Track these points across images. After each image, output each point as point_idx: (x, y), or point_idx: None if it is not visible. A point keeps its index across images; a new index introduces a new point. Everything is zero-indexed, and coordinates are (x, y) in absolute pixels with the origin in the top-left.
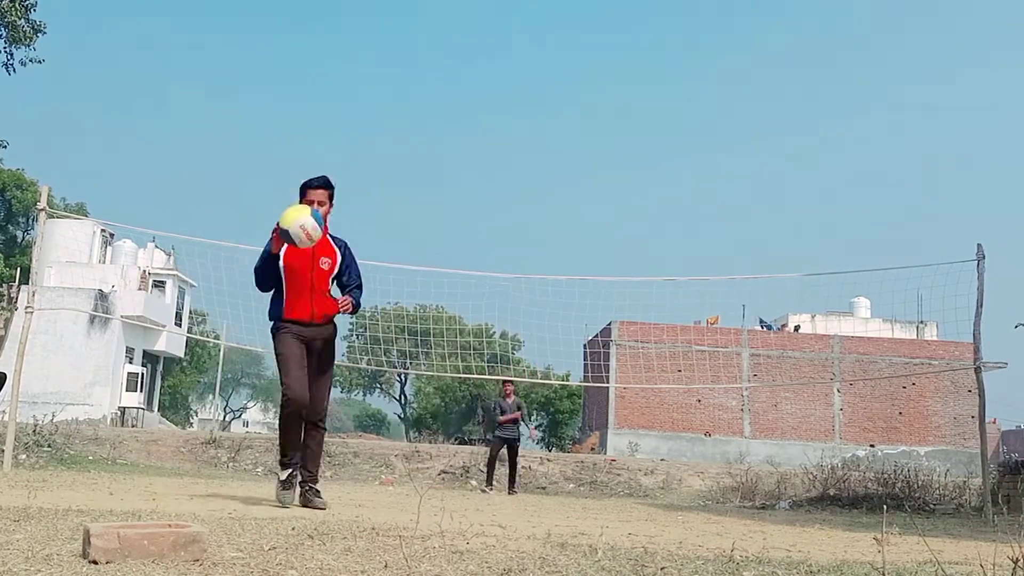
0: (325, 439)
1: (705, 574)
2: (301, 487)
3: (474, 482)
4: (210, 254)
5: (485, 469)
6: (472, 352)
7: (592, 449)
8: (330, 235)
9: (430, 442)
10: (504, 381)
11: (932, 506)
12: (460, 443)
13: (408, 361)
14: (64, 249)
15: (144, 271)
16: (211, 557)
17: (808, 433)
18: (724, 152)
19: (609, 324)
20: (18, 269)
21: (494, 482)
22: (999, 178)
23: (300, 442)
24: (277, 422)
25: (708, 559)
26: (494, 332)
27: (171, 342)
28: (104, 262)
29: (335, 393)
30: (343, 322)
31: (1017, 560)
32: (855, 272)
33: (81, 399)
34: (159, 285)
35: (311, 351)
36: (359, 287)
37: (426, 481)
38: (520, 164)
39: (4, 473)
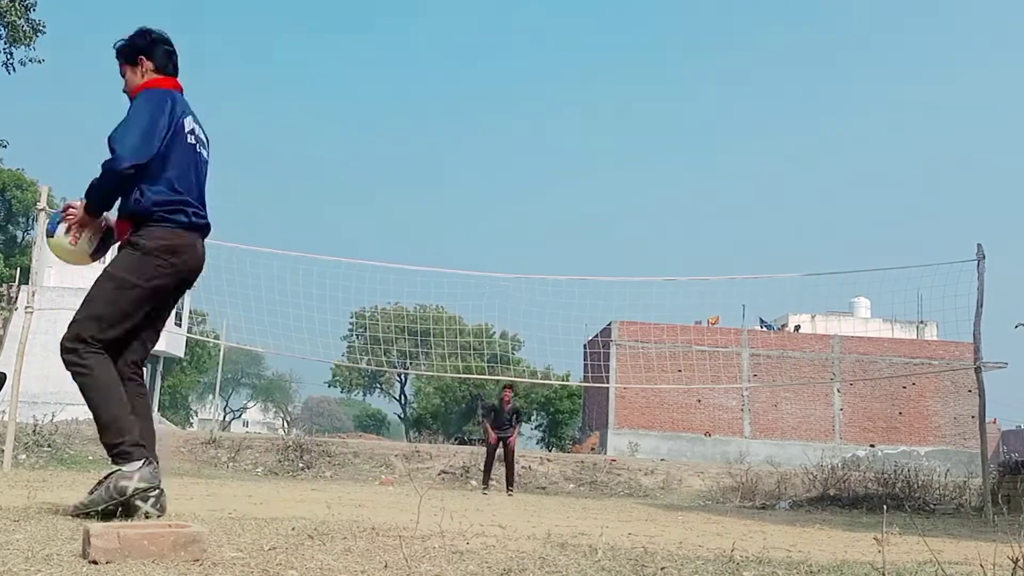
0: (326, 439)
1: (705, 574)
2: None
3: (474, 482)
4: (210, 254)
5: (483, 470)
6: (472, 352)
7: (592, 449)
8: None
9: (430, 442)
10: (505, 387)
11: (932, 506)
12: (460, 443)
13: (408, 361)
14: None
15: None
16: (211, 557)
17: (808, 433)
18: (724, 152)
19: (609, 324)
20: (18, 269)
21: (491, 482)
22: (999, 178)
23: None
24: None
25: (708, 559)
26: (494, 332)
27: (171, 342)
28: (104, 262)
29: (335, 392)
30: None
31: (1017, 560)
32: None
33: (81, 399)
34: None
35: None
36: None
37: (426, 481)
38: (520, 164)
39: (4, 473)
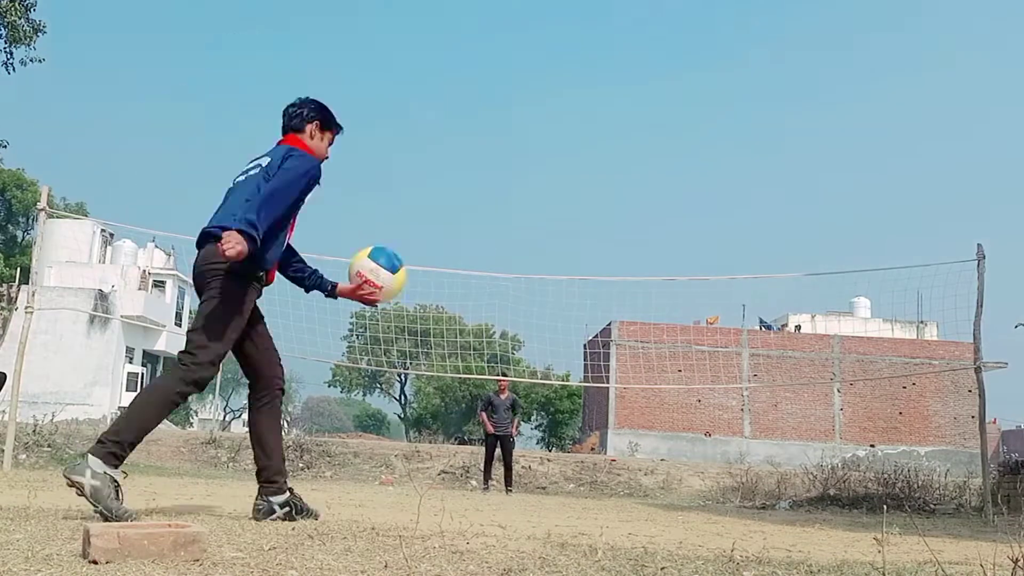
0: (326, 439)
1: (705, 574)
2: None
3: (474, 482)
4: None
5: (482, 468)
6: (472, 352)
7: (592, 449)
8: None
9: (430, 442)
10: (500, 376)
11: (932, 506)
12: (460, 443)
13: (408, 361)
14: (64, 249)
15: (144, 271)
16: (211, 557)
17: (808, 433)
18: (724, 152)
19: (609, 324)
20: (18, 269)
21: (491, 482)
22: (999, 178)
23: None
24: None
25: (708, 559)
26: (494, 332)
27: (171, 342)
28: (104, 262)
29: (335, 392)
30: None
31: (1017, 560)
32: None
33: (81, 399)
34: (159, 285)
35: None
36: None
37: (426, 481)
38: (521, 163)
39: (4, 473)
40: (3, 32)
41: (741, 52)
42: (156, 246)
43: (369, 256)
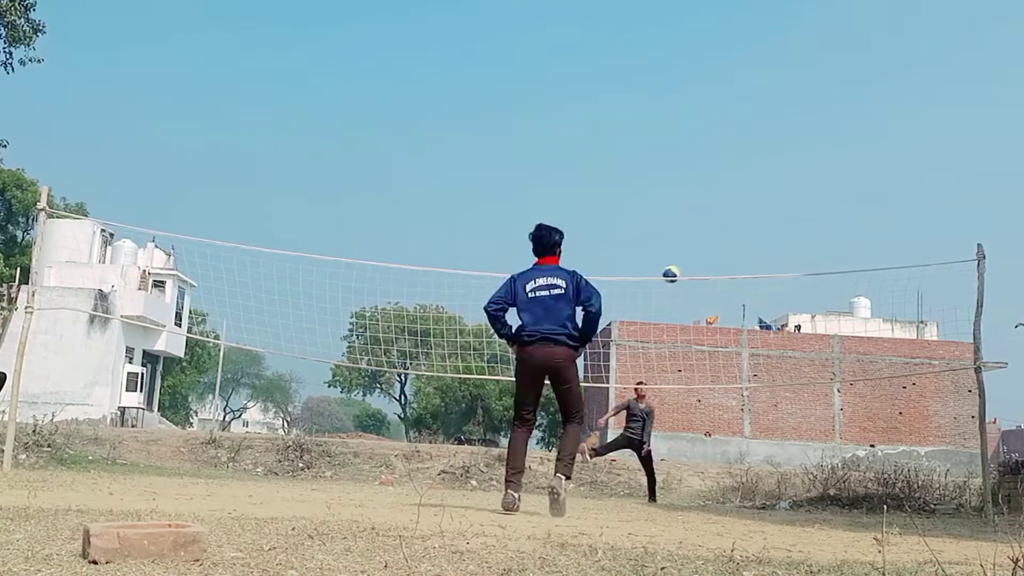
0: (326, 439)
1: (705, 574)
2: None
3: (474, 482)
4: (210, 254)
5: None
6: (472, 352)
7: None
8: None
9: (430, 442)
10: (637, 384)
11: (932, 506)
12: (460, 443)
13: (408, 361)
14: (64, 249)
15: (144, 271)
16: (211, 557)
17: (808, 433)
18: (724, 152)
19: (609, 324)
20: (18, 269)
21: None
22: (1000, 178)
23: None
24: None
25: (708, 559)
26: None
27: (171, 342)
28: (104, 262)
29: (335, 392)
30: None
31: (1017, 560)
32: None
33: (81, 399)
34: (159, 285)
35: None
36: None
37: (426, 481)
38: (521, 164)
39: (4, 473)
40: (3, 32)
41: (741, 61)
42: (156, 246)
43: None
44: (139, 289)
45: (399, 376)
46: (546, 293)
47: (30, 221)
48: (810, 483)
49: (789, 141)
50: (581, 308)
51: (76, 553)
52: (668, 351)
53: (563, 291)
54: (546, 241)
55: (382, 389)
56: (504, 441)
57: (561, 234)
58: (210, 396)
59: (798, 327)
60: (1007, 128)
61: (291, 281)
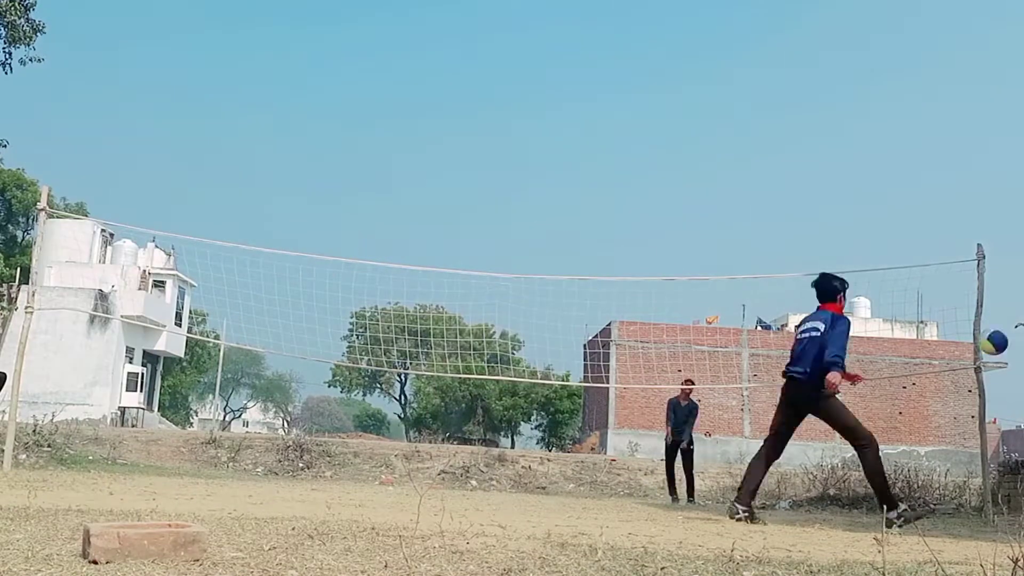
0: (326, 439)
1: (705, 574)
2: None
3: (474, 482)
4: (210, 254)
5: (666, 481)
6: (472, 352)
7: (592, 449)
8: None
9: (430, 442)
10: (685, 381)
11: (932, 506)
12: (460, 443)
13: (408, 361)
14: (64, 249)
15: (144, 271)
16: (211, 557)
17: (808, 433)
18: (725, 152)
19: (609, 324)
20: (18, 269)
21: (675, 495)
22: (1000, 178)
23: None
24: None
25: (708, 559)
26: (494, 332)
27: (171, 342)
28: (104, 262)
29: (335, 392)
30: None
31: (1017, 560)
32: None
33: (81, 399)
34: (159, 285)
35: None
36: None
37: (426, 481)
38: (521, 164)
39: (4, 473)
40: (3, 32)
41: (741, 61)
42: (156, 246)
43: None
44: (139, 289)
45: (399, 376)
46: (806, 336)
47: (30, 221)
48: (810, 483)
49: (789, 141)
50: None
51: (76, 553)
52: (668, 351)
53: (817, 334)
54: (822, 288)
55: (382, 389)
56: (504, 441)
57: (841, 282)
58: (210, 396)
59: (798, 327)
60: (1007, 128)
61: (291, 281)
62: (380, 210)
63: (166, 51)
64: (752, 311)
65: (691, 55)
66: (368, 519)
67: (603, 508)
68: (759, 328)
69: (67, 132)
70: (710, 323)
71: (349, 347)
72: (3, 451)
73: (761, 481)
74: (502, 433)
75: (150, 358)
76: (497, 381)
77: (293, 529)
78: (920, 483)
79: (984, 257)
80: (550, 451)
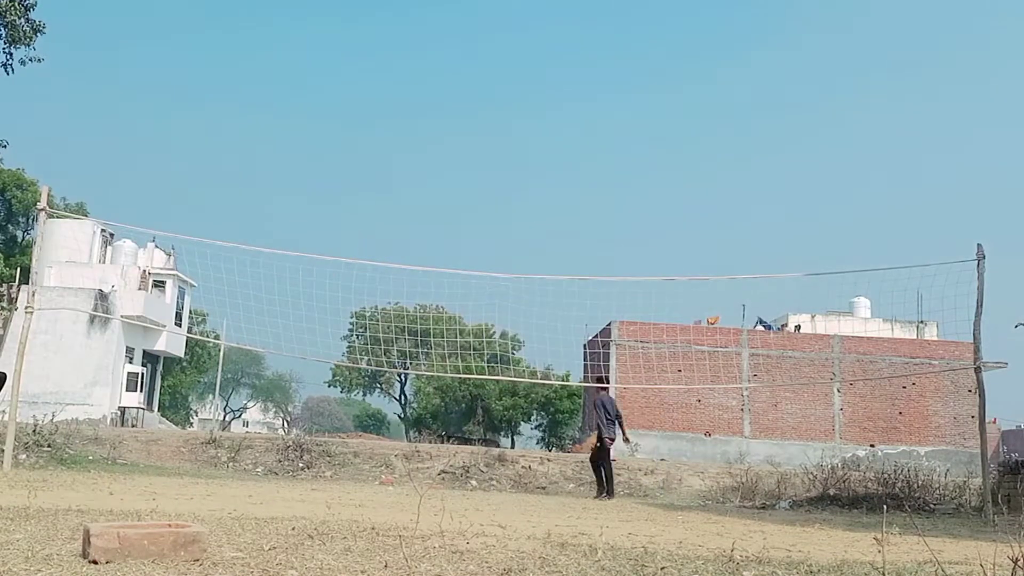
0: (326, 439)
1: (705, 574)
2: None
3: (474, 482)
4: (210, 254)
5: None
6: (472, 352)
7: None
8: None
9: (430, 442)
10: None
11: (932, 506)
12: (460, 443)
13: (408, 361)
14: (64, 249)
15: (144, 271)
16: (211, 557)
17: (808, 433)
18: (725, 152)
19: (609, 324)
20: (18, 269)
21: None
22: (1000, 178)
23: None
24: None
25: (708, 559)
26: (494, 332)
27: (171, 342)
28: (104, 262)
29: (335, 392)
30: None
31: (1017, 560)
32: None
33: (81, 399)
34: (159, 285)
35: None
36: None
37: (426, 481)
38: (521, 164)
39: (4, 473)
40: (3, 32)
41: (741, 61)
42: (156, 246)
43: None
44: (139, 289)
45: (399, 376)
46: None
47: (30, 221)
48: (810, 483)
49: (789, 141)
50: None
51: (76, 553)
52: (668, 351)
53: None
54: None
55: (382, 389)
56: (504, 441)
57: None
58: (210, 396)
59: (798, 327)
60: (1007, 128)
61: (291, 281)
62: (380, 210)
63: (166, 51)
64: (752, 311)
65: (691, 55)
66: (368, 519)
67: (603, 508)
68: (759, 328)
69: (67, 132)
70: (712, 324)
71: (349, 347)
72: (3, 451)
73: None
74: (502, 433)
75: (150, 358)
76: (497, 381)
77: (293, 529)
78: (920, 483)
79: (984, 257)
80: (550, 451)
